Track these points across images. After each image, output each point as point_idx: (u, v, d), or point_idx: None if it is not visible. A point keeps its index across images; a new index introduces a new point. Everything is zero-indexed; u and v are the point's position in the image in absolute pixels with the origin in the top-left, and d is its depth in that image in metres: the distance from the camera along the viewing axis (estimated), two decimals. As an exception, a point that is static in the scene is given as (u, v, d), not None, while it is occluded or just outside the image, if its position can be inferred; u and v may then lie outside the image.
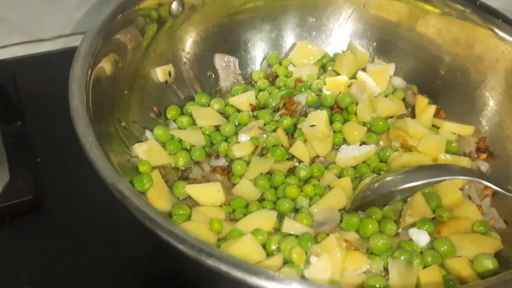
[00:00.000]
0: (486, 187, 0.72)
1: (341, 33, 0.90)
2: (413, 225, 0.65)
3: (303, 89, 0.81)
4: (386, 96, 0.82)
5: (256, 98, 0.81)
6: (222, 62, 0.86)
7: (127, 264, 0.68)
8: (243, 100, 0.80)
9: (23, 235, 0.70)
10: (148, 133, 0.72)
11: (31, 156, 0.77)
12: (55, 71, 0.76)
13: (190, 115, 0.77)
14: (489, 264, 0.60)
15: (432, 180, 0.63)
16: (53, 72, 0.86)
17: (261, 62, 0.89)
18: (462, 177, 0.65)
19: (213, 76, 0.85)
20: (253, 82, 0.87)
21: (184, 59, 0.81)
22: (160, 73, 0.76)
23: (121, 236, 0.70)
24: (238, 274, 0.43)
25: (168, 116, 0.77)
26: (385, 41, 0.87)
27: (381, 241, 0.61)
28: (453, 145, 0.75)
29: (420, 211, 0.65)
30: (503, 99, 0.77)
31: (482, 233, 0.64)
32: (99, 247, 0.69)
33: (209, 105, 0.80)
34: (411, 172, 0.65)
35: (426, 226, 0.64)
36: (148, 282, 0.68)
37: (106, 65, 0.63)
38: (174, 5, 0.75)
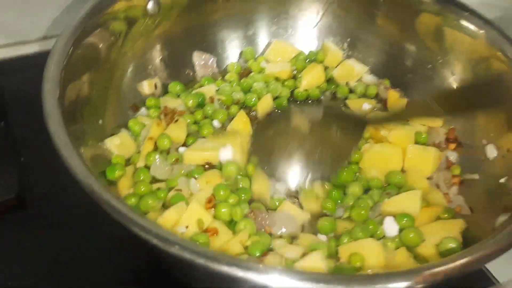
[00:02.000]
0: (454, 175, 0.75)
1: (317, 30, 0.92)
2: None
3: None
4: (358, 93, 0.86)
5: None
6: (200, 60, 0.87)
7: (112, 258, 0.70)
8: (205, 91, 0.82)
9: (8, 232, 0.71)
10: (123, 130, 0.74)
11: (15, 155, 0.79)
12: (39, 73, 0.77)
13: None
14: (453, 244, 0.62)
15: None
16: (37, 74, 0.87)
17: (238, 58, 0.91)
18: None
19: (191, 73, 0.87)
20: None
21: (161, 57, 0.83)
22: (146, 86, 0.79)
23: (106, 234, 0.70)
24: (201, 261, 0.45)
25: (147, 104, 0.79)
26: (357, 38, 0.89)
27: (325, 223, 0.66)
28: (423, 136, 0.78)
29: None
30: (471, 89, 0.79)
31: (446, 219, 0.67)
32: (83, 242, 0.71)
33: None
34: None
35: (405, 219, 0.66)
36: (135, 275, 0.69)
37: (80, 65, 0.65)
38: (150, 5, 0.77)
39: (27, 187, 0.76)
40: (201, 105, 0.80)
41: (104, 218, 0.69)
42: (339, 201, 0.71)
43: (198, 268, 0.46)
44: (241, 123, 0.78)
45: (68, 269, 0.68)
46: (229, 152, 0.71)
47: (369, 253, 0.61)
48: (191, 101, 0.79)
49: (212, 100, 0.81)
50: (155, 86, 0.81)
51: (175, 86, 0.82)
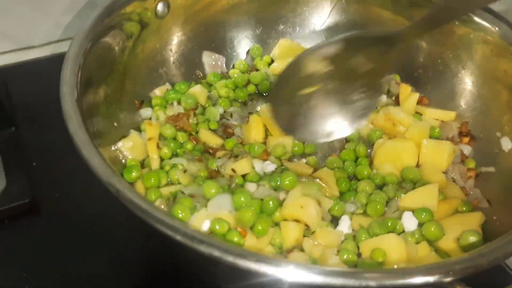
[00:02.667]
0: (469, 169, 0.74)
1: (325, 28, 0.92)
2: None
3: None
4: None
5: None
6: (210, 60, 0.87)
7: (126, 264, 0.69)
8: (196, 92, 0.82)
9: (22, 237, 0.71)
10: (133, 132, 0.73)
11: (26, 160, 0.78)
12: (46, 77, 0.77)
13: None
14: (474, 238, 0.62)
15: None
16: (43, 78, 0.87)
17: (246, 57, 0.91)
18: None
19: (201, 74, 0.87)
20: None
21: (172, 59, 0.83)
22: (158, 93, 0.80)
23: (119, 236, 0.71)
24: (230, 258, 0.45)
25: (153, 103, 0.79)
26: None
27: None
28: (436, 130, 0.78)
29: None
30: (483, 83, 0.79)
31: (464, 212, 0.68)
32: (97, 247, 0.70)
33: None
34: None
35: (424, 214, 0.66)
36: (148, 281, 0.69)
37: (95, 67, 0.65)
38: (160, 7, 0.77)
39: (40, 192, 0.75)
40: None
41: (119, 221, 0.71)
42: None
43: (222, 264, 0.46)
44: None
45: (84, 273, 0.68)
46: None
47: (391, 248, 0.61)
48: (189, 101, 0.80)
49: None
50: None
51: (180, 85, 0.82)
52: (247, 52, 0.91)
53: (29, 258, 0.69)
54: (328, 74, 0.66)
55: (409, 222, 0.66)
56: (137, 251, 0.71)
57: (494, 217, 0.67)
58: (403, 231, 0.65)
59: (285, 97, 0.67)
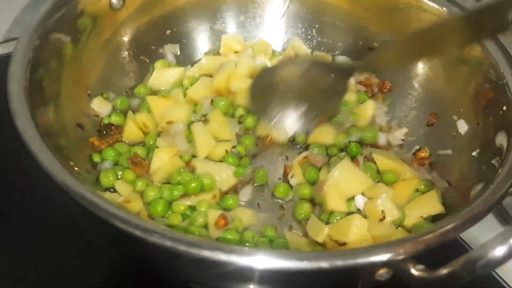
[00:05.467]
0: (422, 158, 0.76)
1: (285, 18, 0.92)
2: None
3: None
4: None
5: None
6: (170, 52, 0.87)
7: (92, 262, 0.69)
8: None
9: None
10: None
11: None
12: (4, 75, 0.75)
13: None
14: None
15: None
16: (1, 76, 0.86)
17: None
18: None
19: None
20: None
21: (128, 51, 0.82)
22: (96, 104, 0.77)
23: (84, 234, 0.70)
24: (182, 248, 0.44)
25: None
26: (325, 23, 0.90)
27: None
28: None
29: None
30: (438, 67, 0.80)
31: (424, 192, 0.71)
32: (60, 244, 0.70)
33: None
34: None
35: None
36: (115, 279, 0.68)
37: (45, 62, 0.64)
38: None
39: (8, 193, 0.74)
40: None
41: (80, 217, 0.70)
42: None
43: (180, 256, 0.46)
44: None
45: (48, 272, 0.67)
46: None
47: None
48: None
49: None
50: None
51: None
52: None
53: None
54: (297, 83, 0.74)
55: (360, 202, 0.68)
56: (102, 248, 0.70)
57: (454, 196, 0.69)
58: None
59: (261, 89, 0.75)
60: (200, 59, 0.87)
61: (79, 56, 0.72)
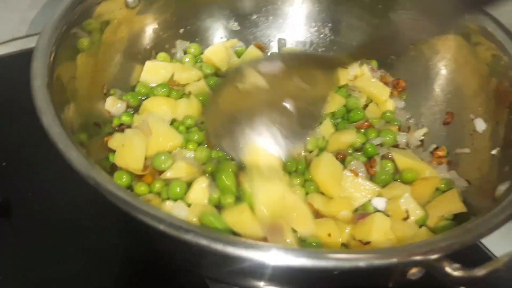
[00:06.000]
0: (440, 156, 0.76)
1: (298, 17, 0.91)
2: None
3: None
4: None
5: None
6: (180, 48, 0.87)
7: (104, 261, 0.68)
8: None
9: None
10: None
11: (-5, 160, 0.76)
12: (12, 74, 0.75)
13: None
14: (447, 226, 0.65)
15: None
16: (10, 75, 0.85)
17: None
18: None
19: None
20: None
21: (144, 49, 0.82)
22: (109, 103, 0.75)
23: (96, 234, 0.70)
24: (219, 247, 0.44)
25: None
26: (339, 21, 0.90)
27: None
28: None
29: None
30: (456, 68, 0.80)
31: (444, 191, 0.70)
32: (73, 246, 0.69)
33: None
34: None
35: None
36: (128, 278, 0.68)
37: (66, 60, 0.63)
38: (131, -3, 0.75)
39: (11, 192, 0.73)
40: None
41: (93, 218, 0.69)
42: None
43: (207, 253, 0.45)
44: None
45: (58, 275, 0.66)
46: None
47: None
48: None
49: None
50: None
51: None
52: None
53: (1, 259, 0.67)
54: (266, 92, 0.63)
55: (379, 204, 0.68)
56: (114, 247, 0.69)
57: (475, 195, 0.69)
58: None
59: (221, 109, 0.64)
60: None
61: (96, 54, 0.71)
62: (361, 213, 0.65)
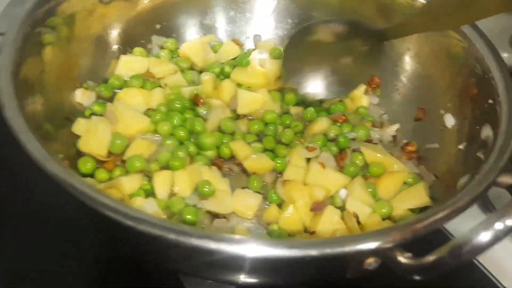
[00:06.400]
0: (410, 151, 0.77)
1: (275, 14, 0.92)
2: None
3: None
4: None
5: None
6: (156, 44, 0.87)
7: (80, 256, 0.69)
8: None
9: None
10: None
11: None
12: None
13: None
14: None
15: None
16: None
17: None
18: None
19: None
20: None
21: (118, 45, 0.82)
22: (79, 95, 0.75)
23: (71, 228, 0.70)
24: (172, 236, 0.44)
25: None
26: (315, 17, 0.90)
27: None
28: None
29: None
30: (426, 63, 0.81)
31: (412, 185, 0.72)
32: (48, 240, 0.69)
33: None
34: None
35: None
36: (104, 272, 0.68)
37: (34, 54, 0.64)
38: (103, -8, 0.76)
39: (1, 195, 0.74)
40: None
41: (70, 212, 0.70)
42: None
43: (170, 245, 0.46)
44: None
45: (32, 270, 0.67)
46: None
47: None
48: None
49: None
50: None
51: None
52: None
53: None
54: (332, 45, 0.78)
55: (343, 195, 0.70)
56: (90, 241, 0.70)
57: (440, 189, 0.70)
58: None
59: (296, 54, 0.78)
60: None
61: (67, 48, 0.72)
62: (317, 204, 0.66)
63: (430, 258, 0.44)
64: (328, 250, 0.45)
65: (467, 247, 0.41)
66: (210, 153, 0.74)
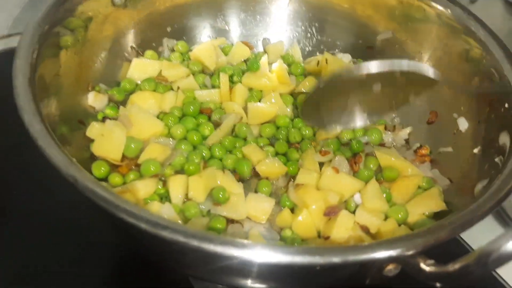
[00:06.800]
0: (423, 154, 0.77)
1: (285, 16, 0.92)
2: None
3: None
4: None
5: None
6: (167, 47, 0.87)
7: (94, 256, 0.68)
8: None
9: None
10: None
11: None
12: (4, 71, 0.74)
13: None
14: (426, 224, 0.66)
15: (391, 69, 0.63)
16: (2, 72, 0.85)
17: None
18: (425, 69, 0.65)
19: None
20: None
21: (130, 48, 0.82)
22: (91, 98, 0.75)
23: (85, 229, 0.70)
24: (195, 243, 0.44)
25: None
26: (326, 21, 0.90)
27: None
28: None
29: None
30: (439, 67, 0.80)
31: (426, 189, 0.71)
32: (62, 242, 0.69)
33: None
34: (373, 62, 0.64)
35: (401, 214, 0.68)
36: (117, 273, 0.68)
37: (49, 57, 0.63)
38: (117, -5, 0.76)
39: (4, 192, 0.74)
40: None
41: (84, 213, 0.69)
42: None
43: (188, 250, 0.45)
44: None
45: (47, 271, 0.66)
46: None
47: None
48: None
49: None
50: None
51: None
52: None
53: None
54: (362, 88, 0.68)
55: (358, 199, 0.70)
56: (104, 243, 0.70)
57: (456, 193, 0.70)
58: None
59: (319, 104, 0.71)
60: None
61: (81, 51, 0.71)
62: (331, 208, 0.66)
63: (456, 266, 0.44)
64: (351, 257, 0.45)
65: (495, 255, 0.41)
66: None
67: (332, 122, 0.74)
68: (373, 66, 0.64)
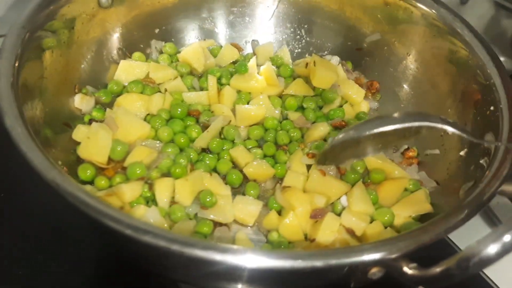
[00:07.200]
0: (410, 157, 0.77)
1: (274, 18, 0.92)
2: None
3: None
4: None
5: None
6: (155, 48, 0.87)
7: (78, 262, 0.68)
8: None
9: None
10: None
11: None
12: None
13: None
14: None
15: (407, 125, 0.60)
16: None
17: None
18: (440, 125, 0.60)
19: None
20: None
21: (117, 49, 0.82)
22: (78, 100, 0.74)
23: (69, 234, 0.70)
24: (176, 248, 0.44)
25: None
26: (315, 23, 0.90)
27: None
28: None
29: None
30: (426, 68, 0.81)
31: (413, 191, 0.71)
32: (45, 247, 0.69)
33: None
34: (385, 118, 0.62)
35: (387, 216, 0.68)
36: (103, 279, 0.68)
37: (33, 59, 0.63)
38: (104, -3, 0.75)
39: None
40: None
41: (68, 218, 0.69)
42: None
43: (172, 255, 0.45)
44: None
45: (29, 275, 0.66)
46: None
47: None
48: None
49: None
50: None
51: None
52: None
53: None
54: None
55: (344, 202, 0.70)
56: (89, 248, 0.69)
57: (442, 195, 0.70)
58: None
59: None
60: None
61: (67, 53, 0.71)
62: (317, 211, 0.66)
63: (437, 269, 0.44)
64: (333, 261, 0.45)
65: (475, 259, 0.41)
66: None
67: (348, 161, 0.74)
68: (386, 125, 0.61)
